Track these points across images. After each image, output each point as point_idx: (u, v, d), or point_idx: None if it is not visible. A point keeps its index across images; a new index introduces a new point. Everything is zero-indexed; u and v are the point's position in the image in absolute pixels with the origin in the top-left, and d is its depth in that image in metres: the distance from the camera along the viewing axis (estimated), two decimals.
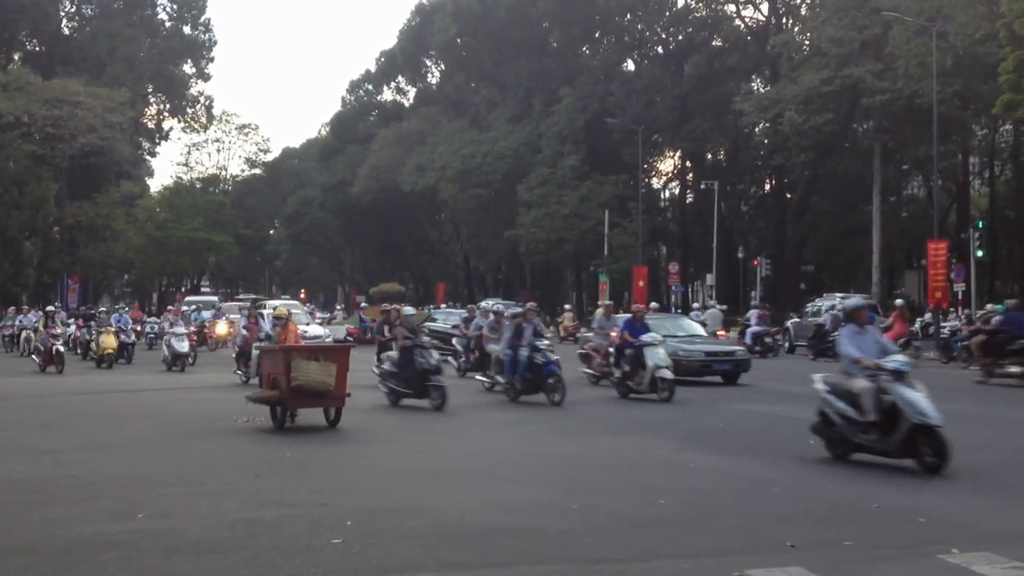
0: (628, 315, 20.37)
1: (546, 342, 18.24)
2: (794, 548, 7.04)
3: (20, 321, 34.72)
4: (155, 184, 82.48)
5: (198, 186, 78.86)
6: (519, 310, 19.03)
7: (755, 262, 52.99)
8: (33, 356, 27.33)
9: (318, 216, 78.20)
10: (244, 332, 21.71)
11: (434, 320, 34.37)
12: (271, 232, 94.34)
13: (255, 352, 18.76)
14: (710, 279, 54.57)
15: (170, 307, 46.17)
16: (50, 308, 30.43)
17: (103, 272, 64.88)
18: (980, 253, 39.75)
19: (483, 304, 21.57)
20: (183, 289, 76.62)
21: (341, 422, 13.74)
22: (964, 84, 39.22)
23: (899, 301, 28.91)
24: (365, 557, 6.82)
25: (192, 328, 30.98)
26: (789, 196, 56.17)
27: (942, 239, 37.78)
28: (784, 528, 7.66)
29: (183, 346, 25.61)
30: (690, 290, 65.35)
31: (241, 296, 60.12)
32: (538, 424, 14.59)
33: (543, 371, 16.97)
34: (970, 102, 41.21)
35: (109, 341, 26.56)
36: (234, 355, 22.34)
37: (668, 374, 17.38)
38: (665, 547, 7.13)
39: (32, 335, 29.71)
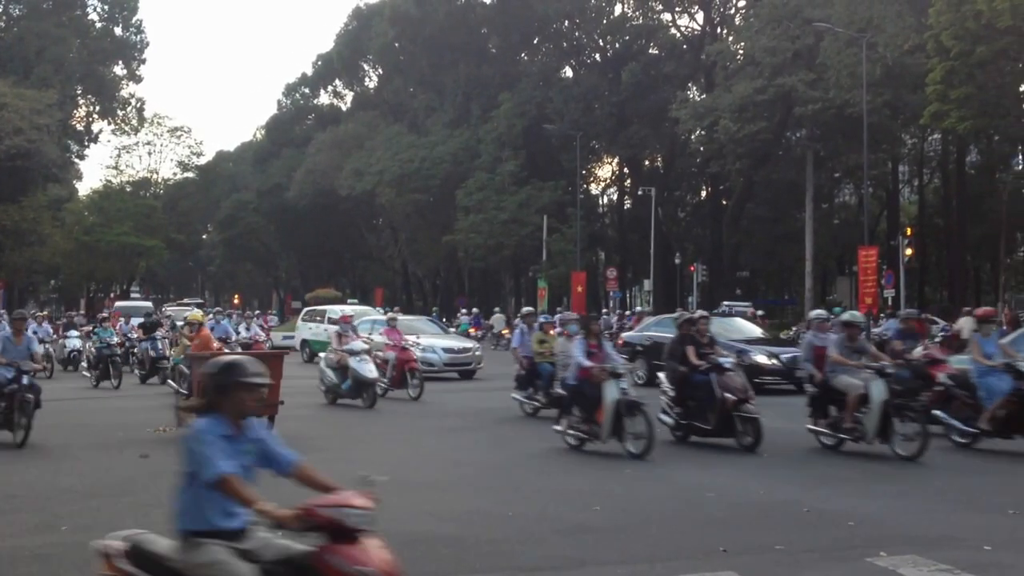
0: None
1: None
2: (726, 553, 7.08)
3: None
4: (84, 187, 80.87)
5: (128, 190, 77.20)
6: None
7: (692, 268, 53.54)
8: None
9: (253, 220, 77.20)
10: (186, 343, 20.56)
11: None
12: (204, 237, 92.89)
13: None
14: (647, 284, 54.99)
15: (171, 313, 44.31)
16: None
17: (28, 277, 63.29)
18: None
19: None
20: (112, 295, 75.10)
21: (274, 430, 13.50)
22: (893, 94, 40.04)
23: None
24: None
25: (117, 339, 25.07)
26: (725, 203, 56.89)
27: (872, 246, 38.58)
28: (716, 533, 7.70)
29: (370, 370, 17.25)
30: (628, 295, 65.82)
31: (187, 301, 59.01)
32: (473, 432, 14.53)
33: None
34: (899, 112, 42.08)
35: None
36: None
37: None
38: (599, 554, 7.12)
39: None
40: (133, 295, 73.83)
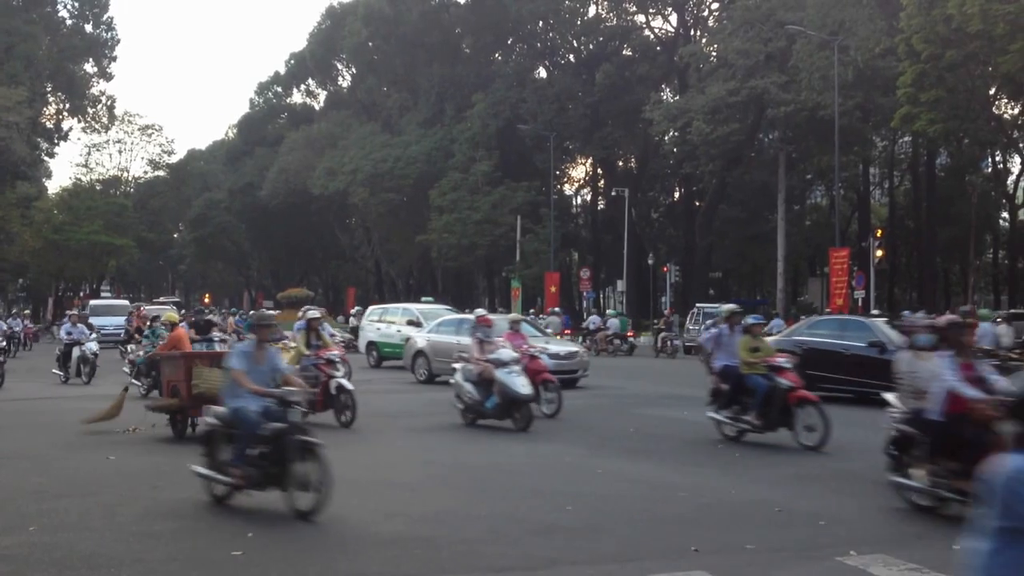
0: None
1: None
2: (697, 552, 7.10)
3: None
4: (53, 185, 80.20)
5: (98, 188, 76.57)
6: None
7: (664, 268, 53.75)
8: None
9: (224, 219, 76.75)
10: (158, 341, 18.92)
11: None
12: (175, 235, 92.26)
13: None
14: (621, 285, 55.14)
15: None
16: None
17: None
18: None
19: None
20: (82, 294, 74.44)
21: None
22: (864, 97, 40.36)
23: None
24: (265, 570, 6.67)
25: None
26: (698, 204, 57.13)
27: (844, 247, 38.89)
28: (688, 532, 7.72)
29: (523, 384, 14.50)
30: (601, 296, 65.98)
31: (163, 300, 58.48)
32: (444, 432, 14.49)
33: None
34: (870, 114, 42.42)
35: None
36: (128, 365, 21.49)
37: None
38: (570, 553, 7.12)
39: None
40: (104, 294, 73.13)
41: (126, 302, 49.09)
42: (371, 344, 29.17)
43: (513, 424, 14.28)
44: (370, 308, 32.89)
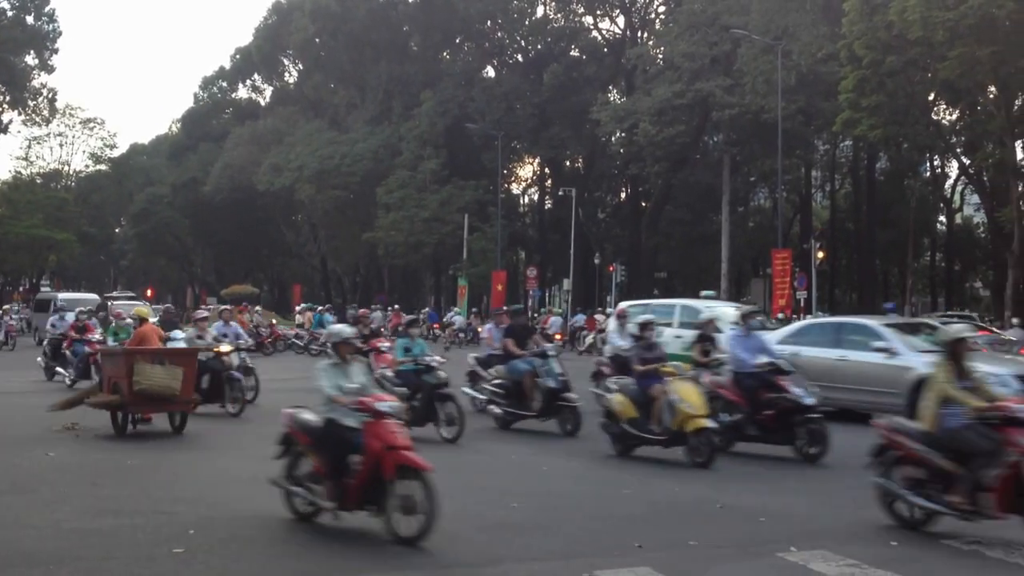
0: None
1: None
2: (642, 548, 7.18)
3: None
4: None
5: (39, 181, 75.06)
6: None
7: (611, 268, 54.09)
8: None
9: (167, 215, 75.59)
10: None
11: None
12: (117, 230, 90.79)
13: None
14: (567, 284, 55.35)
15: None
16: None
17: None
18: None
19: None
20: (21, 288, 72.96)
21: (187, 428, 13.30)
22: (807, 101, 40.94)
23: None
24: (208, 567, 6.61)
25: None
26: (644, 204, 57.56)
27: (786, 248, 39.38)
28: (633, 529, 7.80)
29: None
30: (547, 294, 66.20)
31: (117, 294, 57.29)
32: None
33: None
34: (812, 118, 43.01)
35: None
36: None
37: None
38: (516, 550, 7.16)
39: None
40: (43, 288, 71.78)
41: (96, 296, 47.76)
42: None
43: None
44: (621, 305, 23.15)
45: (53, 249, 68.34)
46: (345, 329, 8.57)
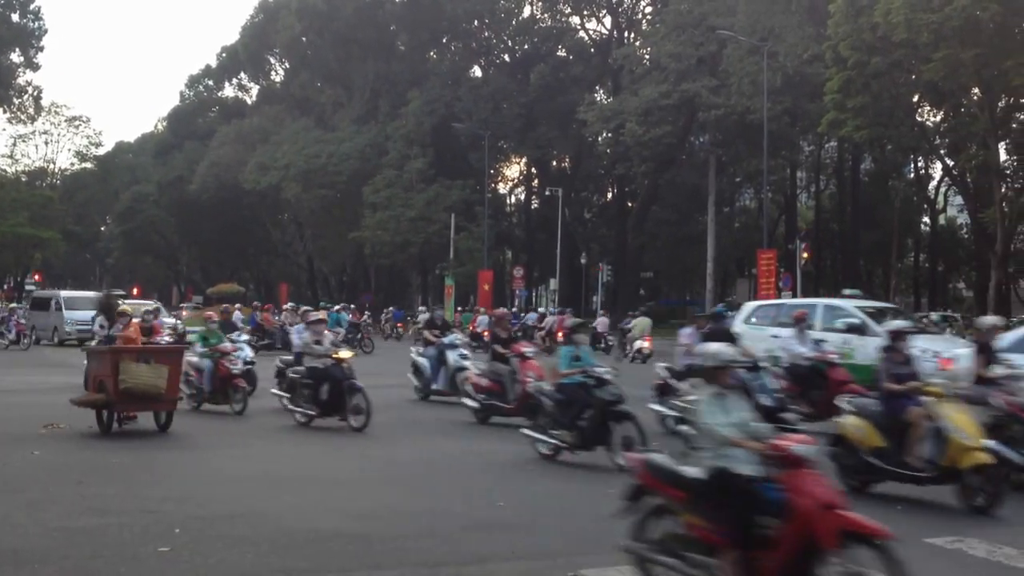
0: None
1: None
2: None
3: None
4: None
5: (24, 180, 74.79)
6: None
7: (598, 268, 54.25)
8: None
9: (153, 213, 75.44)
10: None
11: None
12: (102, 229, 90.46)
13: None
14: (553, 284, 55.47)
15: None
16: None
17: None
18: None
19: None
20: (5, 287, 72.64)
21: (172, 426, 13.29)
22: (792, 102, 41.14)
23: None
24: (193, 566, 6.62)
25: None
26: (630, 205, 57.71)
27: (771, 249, 39.56)
28: (618, 528, 7.83)
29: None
30: (534, 294, 66.29)
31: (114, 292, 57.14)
32: (379, 429, 14.46)
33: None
34: (798, 119, 43.26)
35: None
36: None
37: None
38: (502, 549, 7.19)
39: None
40: (28, 287, 71.47)
41: (97, 295, 47.11)
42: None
43: None
44: (749, 305, 20.92)
45: (38, 247, 68.10)
46: (725, 350, 6.45)
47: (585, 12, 59.17)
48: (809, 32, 39.25)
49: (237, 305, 39.15)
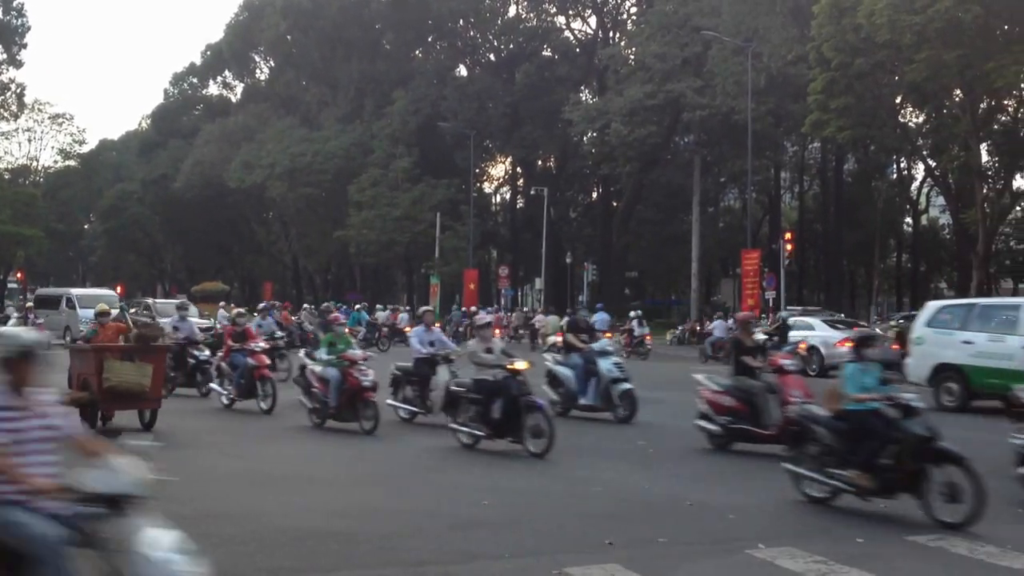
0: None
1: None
2: (612, 546, 7.25)
3: None
4: None
5: (7, 177, 74.17)
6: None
7: (583, 267, 54.33)
8: None
9: (137, 211, 75.04)
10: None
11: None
12: (86, 227, 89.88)
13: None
14: (538, 283, 55.51)
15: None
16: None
17: None
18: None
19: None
20: None
21: (157, 425, 13.26)
22: (776, 103, 41.28)
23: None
24: None
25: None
26: (615, 204, 57.80)
27: (755, 248, 39.68)
28: (603, 526, 7.88)
29: None
30: (519, 293, 66.30)
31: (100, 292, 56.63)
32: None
33: None
34: (782, 120, 43.40)
35: None
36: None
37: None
38: (488, 548, 7.21)
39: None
40: (10, 286, 70.98)
41: (112, 292, 45.91)
42: (946, 368, 17.24)
43: None
44: (932, 305, 19.35)
45: (21, 245, 67.59)
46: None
47: (570, 12, 59.23)
48: (793, 33, 39.40)
49: (221, 303, 39.05)
